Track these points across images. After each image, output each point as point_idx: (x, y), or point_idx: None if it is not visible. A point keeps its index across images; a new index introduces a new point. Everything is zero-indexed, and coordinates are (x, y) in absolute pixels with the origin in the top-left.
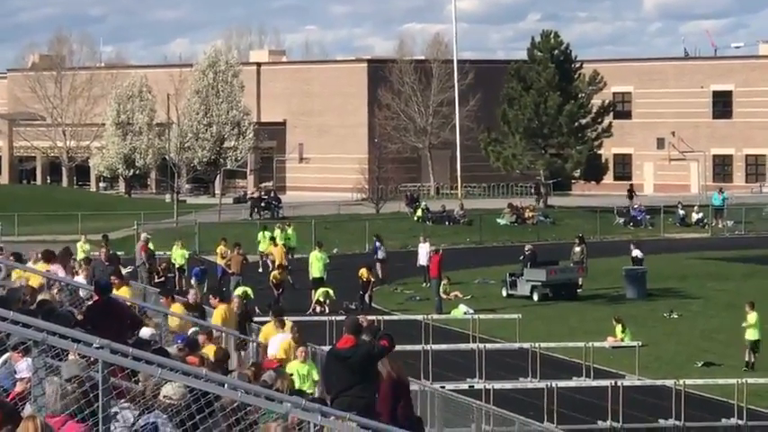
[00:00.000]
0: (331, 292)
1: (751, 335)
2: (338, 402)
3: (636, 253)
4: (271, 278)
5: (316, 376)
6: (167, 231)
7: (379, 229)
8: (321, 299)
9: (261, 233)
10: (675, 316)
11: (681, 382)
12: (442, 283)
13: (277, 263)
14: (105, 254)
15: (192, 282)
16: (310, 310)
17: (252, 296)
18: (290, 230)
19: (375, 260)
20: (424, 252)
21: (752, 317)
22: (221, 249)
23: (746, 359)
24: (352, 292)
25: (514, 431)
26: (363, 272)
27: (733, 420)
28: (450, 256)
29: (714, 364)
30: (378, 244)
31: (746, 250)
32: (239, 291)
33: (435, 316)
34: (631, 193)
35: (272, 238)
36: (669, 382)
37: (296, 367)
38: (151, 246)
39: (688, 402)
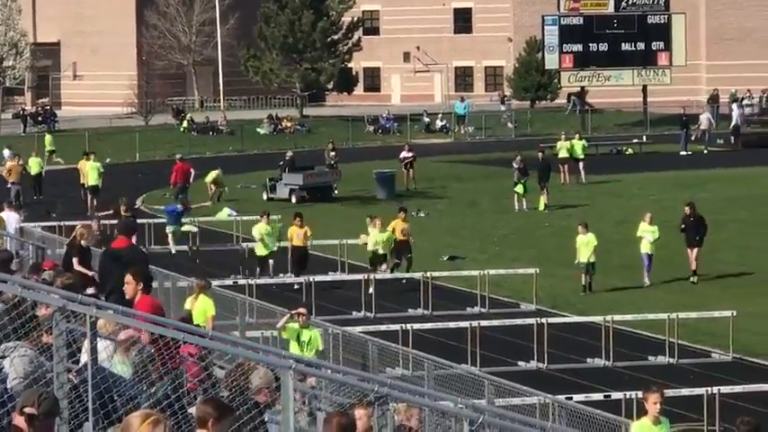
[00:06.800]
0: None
1: (584, 256)
2: (113, 299)
3: None
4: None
5: (320, 344)
6: None
7: (148, 139)
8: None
9: None
10: (423, 215)
11: (428, 274)
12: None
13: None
14: None
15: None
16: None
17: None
18: None
19: None
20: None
21: (585, 238)
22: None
23: (583, 282)
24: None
25: (275, 323)
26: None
27: (476, 309)
28: (215, 164)
29: (459, 257)
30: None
31: (486, 154)
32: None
33: (202, 219)
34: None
35: None
36: (417, 275)
37: (295, 333)
38: None
39: (435, 293)
